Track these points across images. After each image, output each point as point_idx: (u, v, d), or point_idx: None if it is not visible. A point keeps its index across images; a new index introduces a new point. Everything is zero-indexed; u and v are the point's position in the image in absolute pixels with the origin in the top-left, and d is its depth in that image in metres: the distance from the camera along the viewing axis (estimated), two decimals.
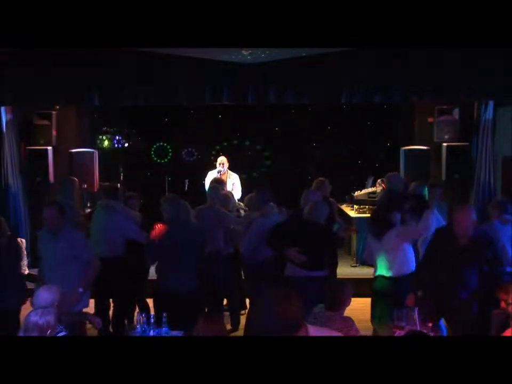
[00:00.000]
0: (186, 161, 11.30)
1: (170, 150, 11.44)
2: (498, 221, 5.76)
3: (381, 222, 5.43)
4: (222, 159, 8.53)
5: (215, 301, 6.05)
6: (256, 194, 6.14)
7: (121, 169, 10.23)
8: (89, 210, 7.22)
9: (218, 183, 7.05)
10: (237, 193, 8.07)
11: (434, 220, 5.66)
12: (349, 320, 4.23)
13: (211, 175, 8.51)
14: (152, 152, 11.35)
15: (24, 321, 3.58)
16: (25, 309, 4.68)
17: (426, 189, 6.62)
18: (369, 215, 8.12)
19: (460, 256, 4.75)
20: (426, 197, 6.52)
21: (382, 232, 5.36)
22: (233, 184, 8.37)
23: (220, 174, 8.36)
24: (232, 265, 6.28)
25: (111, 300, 6.27)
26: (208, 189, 6.71)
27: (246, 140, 11.31)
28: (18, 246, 5.78)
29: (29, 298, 5.10)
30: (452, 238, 4.80)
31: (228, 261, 6.22)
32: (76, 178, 7.26)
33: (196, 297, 5.14)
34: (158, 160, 11.34)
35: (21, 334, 3.55)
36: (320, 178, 6.79)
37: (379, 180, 8.78)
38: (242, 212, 6.88)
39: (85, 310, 5.23)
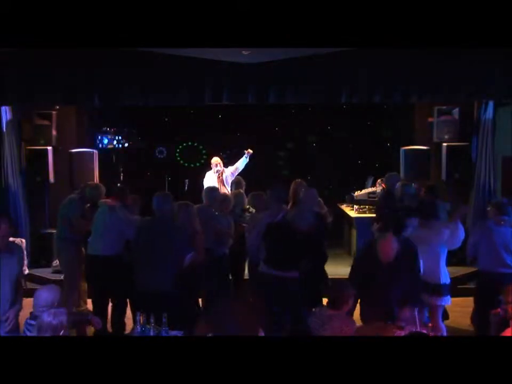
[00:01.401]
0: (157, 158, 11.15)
1: (204, 152, 11.22)
2: (493, 221, 5.76)
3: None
4: (216, 160, 8.59)
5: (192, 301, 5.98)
6: (270, 193, 6.09)
7: (121, 169, 10.23)
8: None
9: (240, 184, 7.10)
10: (241, 165, 8.47)
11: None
12: (349, 319, 4.23)
13: (209, 176, 8.53)
14: (177, 154, 11.23)
15: (38, 322, 3.58)
16: (25, 308, 4.68)
17: (413, 187, 6.61)
18: (369, 215, 8.15)
19: (382, 273, 4.75)
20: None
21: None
22: (236, 168, 8.59)
23: (219, 174, 8.40)
24: (221, 266, 6.18)
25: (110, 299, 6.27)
26: (205, 190, 6.66)
27: (246, 139, 11.30)
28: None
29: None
30: (376, 258, 4.81)
31: (218, 261, 6.14)
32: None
33: (173, 297, 5.08)
34: (186, 164, 11.18)
35: (34, 334, 3.55)
36: (297, 180, 6.78)
37: (379, 180, 8.78)
38: (248, 213, 6.80)
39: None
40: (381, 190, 8.10)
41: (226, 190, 8.10)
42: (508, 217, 5.69)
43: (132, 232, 5.76)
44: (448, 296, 5.53)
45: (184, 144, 11.26)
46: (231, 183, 7.79)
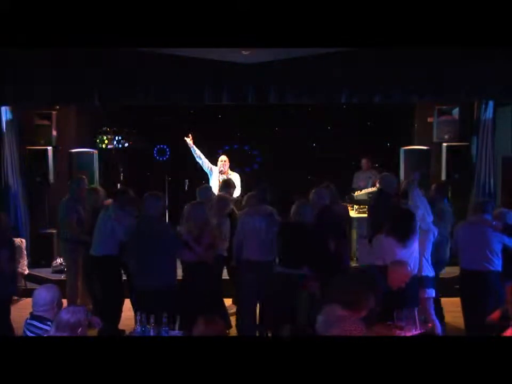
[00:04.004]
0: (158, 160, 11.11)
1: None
2: (472, 220, 5.83)
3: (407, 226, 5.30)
4: (223, 158, 8.59)
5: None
6: (255, 193, 6.16)
7: (121, 169, 10.21)
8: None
9: (228, 186, 7.04)
10: (237, 191, 8.12)
11: (418, 197, 5.59)
12: (361, 324, 4.17)
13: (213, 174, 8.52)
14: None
15: (56, 319, 3.57)
16: (24, 308, 4.68)
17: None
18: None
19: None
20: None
21: (408, 237, 5.27)
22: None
23: (221, 173, 8.39)
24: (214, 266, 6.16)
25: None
26: (199, 190, 6.63)
27: (246, 139, 11.31)
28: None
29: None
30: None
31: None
32: (84, 177, 7.35)
33: (171, 295, 5.10)
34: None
35: (52, 330, 3.54)
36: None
37: (375, 180, 8.77)
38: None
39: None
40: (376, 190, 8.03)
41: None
42: (488, 216, 5.73)
43: (122, 232, 5.80)
44: (432, 289, 5.55)
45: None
46: (220, 185, 7.51)
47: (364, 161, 9.70)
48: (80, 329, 3.50)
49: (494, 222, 5.69)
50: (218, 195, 6.63)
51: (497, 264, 5.62)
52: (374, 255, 5.34)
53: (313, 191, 6.26)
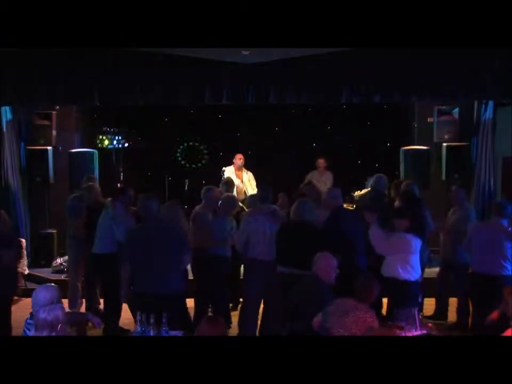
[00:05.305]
0: None
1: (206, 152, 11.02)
2: (488, 222, 5.80)
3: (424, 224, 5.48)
4: (240, 156, 8.79)
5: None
6: (257, 193, 6.19)
7: (121, 169, 10.21)
8: None
9: (229, 184, 7.07)
10: (253, 189, 8.45)
11: None
12: (371, 311, 4.21)
13: (229, 171, 8.61)
14: (178, 155, 11.01)
15: (34, 319, 3.57)
16: (24, 308, 4.68)
17: (416, 187, 6.62)
18: None
19: None
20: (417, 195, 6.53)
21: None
22: (249, 180, 8.72)
23: (237, 170, 8.64)
24: (214, 267, 6.12)
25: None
26: (203, 191, 6.61)
27: (246, 139, 11.30)
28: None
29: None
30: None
31: (209, 261, 6.10)
32: (95, 176, 7.37)
33: (177, 298, 5.04)
34: (188, 165, 10.98)
35: (32, 332, 3.54)
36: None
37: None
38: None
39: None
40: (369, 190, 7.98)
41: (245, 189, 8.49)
42: (505, 221, 5.64)
43: (119, 231, 5.78)
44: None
45: (185, 145, 11.16)
46: (221, 183, 7.57)
47: (320, 161, 9.49)
48: (59, 326, 3.48)
49: (510, 228, 5.61)
50: (225, 195, 6.58)
51: (510, 269, 5.56)
52: (390, 248, 5.39)
53: (325, 190, 6.25)
